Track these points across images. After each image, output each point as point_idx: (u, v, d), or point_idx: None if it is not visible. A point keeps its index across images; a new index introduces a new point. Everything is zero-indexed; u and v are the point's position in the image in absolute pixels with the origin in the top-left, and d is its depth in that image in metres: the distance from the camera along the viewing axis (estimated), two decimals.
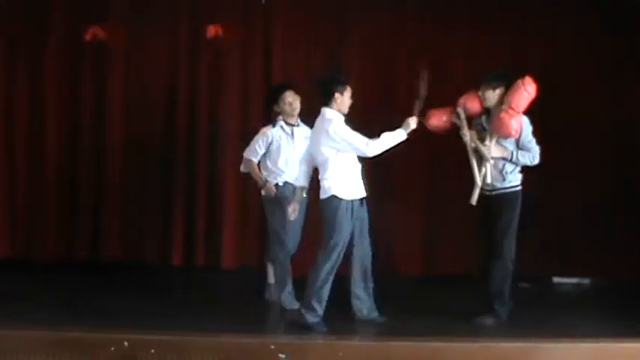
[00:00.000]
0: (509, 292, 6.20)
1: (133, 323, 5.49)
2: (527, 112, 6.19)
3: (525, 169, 6.28)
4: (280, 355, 4.99)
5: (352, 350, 5.14)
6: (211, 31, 8.00)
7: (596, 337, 5.35)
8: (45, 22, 8.12)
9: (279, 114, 6.66)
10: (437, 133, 6.43)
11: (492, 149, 6.19)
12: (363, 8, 8.00)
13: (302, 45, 8.11)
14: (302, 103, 6.62)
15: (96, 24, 8.05)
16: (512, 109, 6.08)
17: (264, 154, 6.62)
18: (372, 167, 6.27)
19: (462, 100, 6.31)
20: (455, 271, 7.84)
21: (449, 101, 6.38)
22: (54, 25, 8.11)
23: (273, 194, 6.54)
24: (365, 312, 6.11)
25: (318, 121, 6.06)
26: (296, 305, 6.26)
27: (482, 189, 6.22)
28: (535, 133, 6.23)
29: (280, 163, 6.58)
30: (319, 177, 6.08)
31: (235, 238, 8.08)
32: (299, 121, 6.66)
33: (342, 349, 5.12)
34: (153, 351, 5.04)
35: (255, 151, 6.64)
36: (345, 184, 5.97)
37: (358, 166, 6.06)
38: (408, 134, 6.05)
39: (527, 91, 6.09)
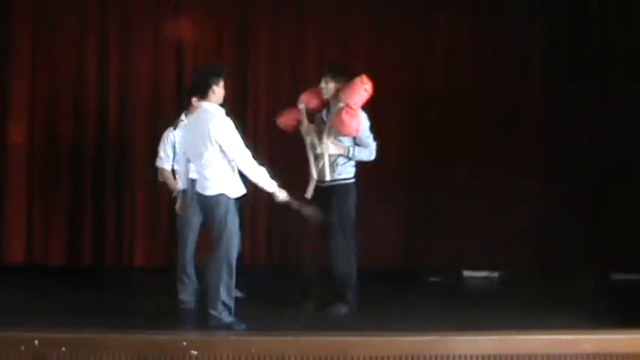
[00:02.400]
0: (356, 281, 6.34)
1: (42, 322, 5.42)
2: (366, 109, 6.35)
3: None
4: (192, 352, 5.02)
5: (265, 345, 5.16)
6: None
7: (500, 329, 5.46)
8: None
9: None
10: (287, 131, 6.56)
11: (330, 146, 6.32)
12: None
13: (213, 42, 8.10)
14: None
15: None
16: (351, 107, 6.21)
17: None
18: None
19: (302, 97, 6.50)
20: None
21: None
22: None
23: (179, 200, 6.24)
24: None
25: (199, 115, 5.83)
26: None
27: (317, 182, 6.37)
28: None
29: None
30: (197, 172, 5.84)
31: (145, 238, 8.03)
32: None
33: (255, 344, 5.14)
34: (64, 349, 5.01)
35: (162, 157, 6.58)
36: (232, 182, 5.78)
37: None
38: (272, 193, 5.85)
39: (365, 89, 6.24)
